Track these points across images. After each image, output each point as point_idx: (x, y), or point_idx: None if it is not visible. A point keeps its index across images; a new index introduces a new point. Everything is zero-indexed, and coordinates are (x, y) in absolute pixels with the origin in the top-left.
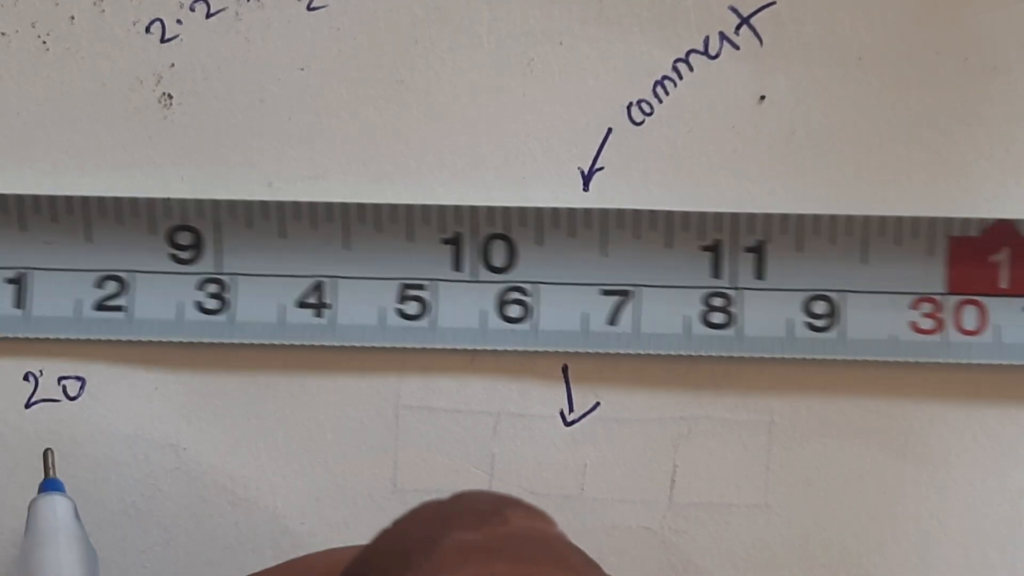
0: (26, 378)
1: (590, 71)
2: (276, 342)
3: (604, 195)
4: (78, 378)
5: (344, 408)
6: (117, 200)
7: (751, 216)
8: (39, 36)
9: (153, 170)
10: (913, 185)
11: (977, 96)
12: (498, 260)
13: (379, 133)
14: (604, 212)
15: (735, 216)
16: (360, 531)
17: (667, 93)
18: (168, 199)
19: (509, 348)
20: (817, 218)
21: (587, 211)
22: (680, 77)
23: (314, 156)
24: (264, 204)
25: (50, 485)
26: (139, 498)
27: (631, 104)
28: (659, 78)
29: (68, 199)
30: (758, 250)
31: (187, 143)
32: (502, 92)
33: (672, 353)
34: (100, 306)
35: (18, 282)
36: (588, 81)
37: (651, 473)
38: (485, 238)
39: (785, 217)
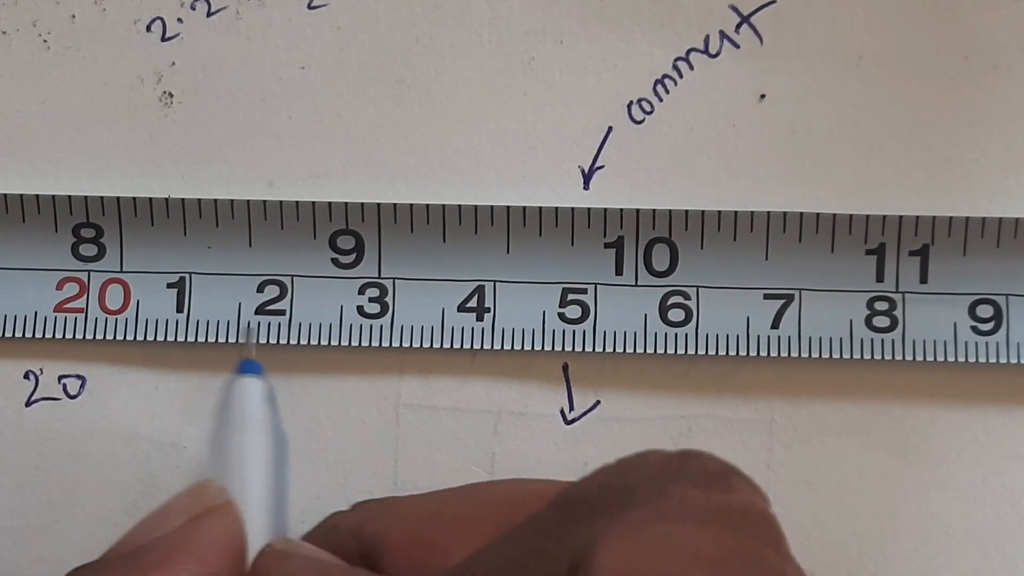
0: (27, 376)
1: (590, 70)
2: (437, 345)
3: (604, 194)
4: (78, 377)
5: (345, 406)
6: (278, 205)
7: (915, 219)
8: (40, 35)
9: (154, 169)
10: (913, 184)
11: (977, 96)
12: (660, 264)
13: (380, 132)
14: (765, 215)
15: (900, 219)
16: None
17: (667, 92)
18: (329, 203)
19: (671, 352)
20: (984, 221)
21: (751, 215)
22: (680, 76)
23: (315, 155)
24: (426, 208)
25: (247, 367)
26: (140, 496)
27: (631, 103)
28: (659, 77)
29: (231, 204)
30: (922, 254)
31: (188, 142)
32: (503, 91)
33: (836, 357)
34: (261, 310)
35: (178, 286)
36: (588, 80)
37: None
38: (648, 242)
39: (950, 220)
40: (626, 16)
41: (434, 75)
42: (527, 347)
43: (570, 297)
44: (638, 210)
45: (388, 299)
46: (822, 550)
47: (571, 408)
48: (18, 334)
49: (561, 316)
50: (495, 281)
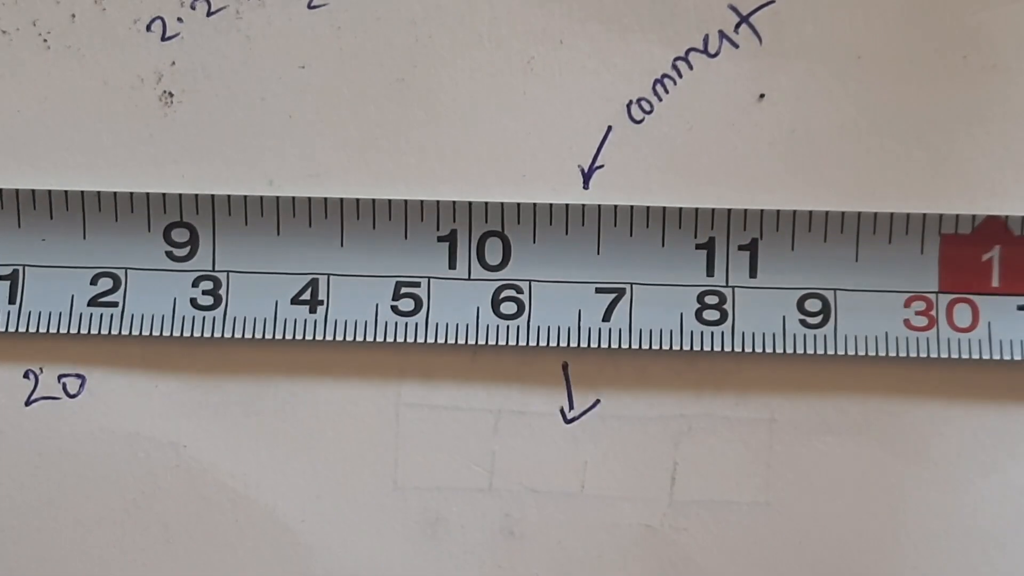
0: (26, 376)
1: (590, 69)
2: (269, 337)
3: (604, 193)
4: (78, 376)
5: (344, 406)
6: (113, 196)
7: (744, 213)
8: (40, 34)
9: (154, 168)
10: (912, 183)
11: (976, 95)
12: (493, 258)
13: (380, 131)
14: (597, 209)
15: (728, 213)
16: (361, 529)
17: (667, 91)
18: (164, 195)
19: (503, 343)
20: (811, 215)
21: (582, 208)
22: (680, 75)
23: (315, 154)
24: (260, 200)
25: None
26: (139, 496)
27: (631, 102)
28: (659, 76)
29: (65, 195)
30: (751, 248)
31: (188, 141)
32: (502, 90)
33: (666, 348)
34: (93, 302)
35: (11, 278)
36: (588, 79)
37: (651, 471)
38: (480, 236)
39: (778, 214)
40: (625, 16)
41: (434, 75)
42: (359, 339)
43: (403, 290)
44: (470, 203)
45: (221, 292)
46: (822, 547)
47: (571, 407)
48: None
49: (394, 309)
50: (328, 274)
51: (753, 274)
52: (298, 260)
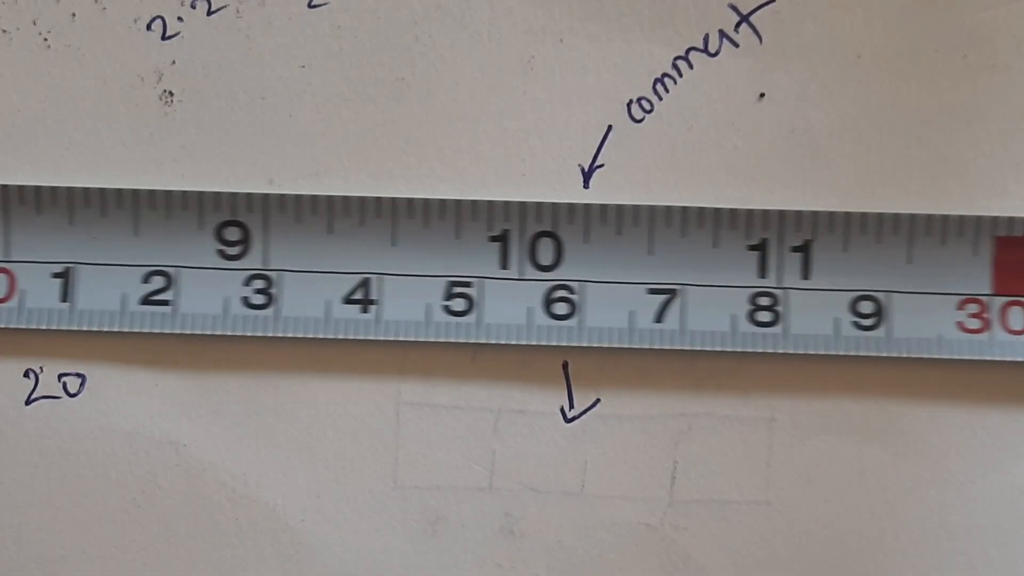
0: (26, 375)
1: (590, 68)
2: (322, 336)
3: (604, 192)
4: (78, 375)
5: (345, 405)
6: (167, 194)
7: (797, 214)
8: (40, 34)
9: (154, 167)
10: (912, 183)
11: (976, 94)
12: (545, 258)
13: (380, 130)
14: (651, 209)
15: (781, 214)
16: (361, 528)
17: (667, 90)
18: (216, 193)
19: (555, 344)
20: (864, 216)
21: (635, 208)
22: (680, 75)
23: (315, 153)
24: (313, 199)
25: None
26: (139, 495)
27: (631, 101)
28: (659, 75)
29: (118, 192)
30: (804, 249)
31: (188, 140)
32: (503, 89)
33: (718, 349)
34: (146, 300)
35: (65, 276)
36: (588, 78)
37: (652, 470)
38: (532, 236)
39: (831, 215)
40: (626, 15)
41: (434, 74)
42: (411, 338)
43: (455, 290)
44: (522, 203)
45: (273, 290)
46: (822, 547)
47: (571, 406)
48: None
49: (446, 309)
50: (382, 274)
51: (806, 275)
52: (351, 259)
